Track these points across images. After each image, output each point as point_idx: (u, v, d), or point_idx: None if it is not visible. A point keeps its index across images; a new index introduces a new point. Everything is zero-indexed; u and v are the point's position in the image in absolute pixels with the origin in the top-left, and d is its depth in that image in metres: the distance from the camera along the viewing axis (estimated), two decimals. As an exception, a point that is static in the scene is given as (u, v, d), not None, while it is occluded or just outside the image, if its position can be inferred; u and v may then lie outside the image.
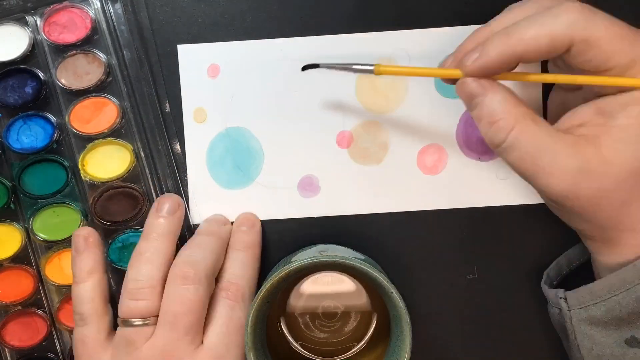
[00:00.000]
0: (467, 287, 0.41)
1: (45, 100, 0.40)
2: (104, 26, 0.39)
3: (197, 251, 0.37)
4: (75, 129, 0.39)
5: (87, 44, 0.39)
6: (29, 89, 0.39)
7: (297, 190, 0.40)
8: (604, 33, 0.30)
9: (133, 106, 0.40)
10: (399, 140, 0.40)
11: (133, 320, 0.35)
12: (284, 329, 0.38)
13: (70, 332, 0.40)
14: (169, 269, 0.36)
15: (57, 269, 0.40)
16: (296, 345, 0.38)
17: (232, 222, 0.40)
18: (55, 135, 0.39)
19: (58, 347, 0.41)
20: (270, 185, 0.40)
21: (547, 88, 0.39)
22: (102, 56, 0.39)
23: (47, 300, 0.40)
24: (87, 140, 0.40)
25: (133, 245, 0.39)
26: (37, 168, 0.40)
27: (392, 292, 0.33)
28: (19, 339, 0.40)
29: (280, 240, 0.41)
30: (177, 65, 0.40)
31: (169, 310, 0.35)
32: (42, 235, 0.40)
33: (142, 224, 0.38)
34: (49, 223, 0.40)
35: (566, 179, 0.31)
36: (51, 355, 0.41)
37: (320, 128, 0.40)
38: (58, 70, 0.39)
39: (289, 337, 0.38)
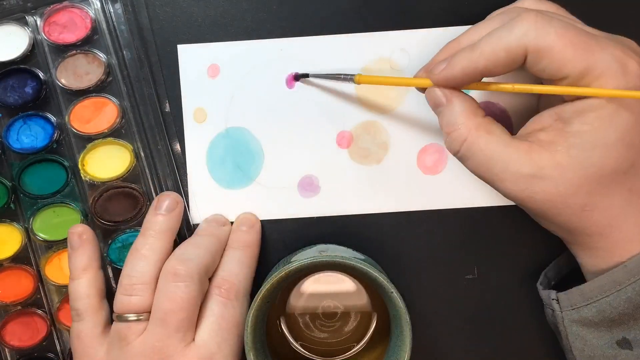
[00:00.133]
0: (467, 287, 0.41)
1: (45, 100, 0.40)
2: (104, 26, 0.39)
3: (192, 249, 0.37)
4: (75, 129, 0.39)
5: (87, 44, 0.39)
6: (29, 89, 0.39)
7: (297, 190, 0.40)
8: (556, 42, 0.30)
9: (133, 106, 0.40)
10: (399, 140, 0.40)
11: (127, 315, 0.35)
12: (284, 329, 0.38)
13: (70, 331, 0.40)
14: None
15: (57, 269, 0.40)
16: (296, 345, 0.38)
17: (231, 222, 0.40)
18: (55, 135, 0.39)
19: (58, 347, 0.41)
20: (270, 185, 0.40)
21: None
22: (102, 56, 0.39)
23: (47, 300, 0.40)
24: (87, 140, 0.40)
25: (133, 245, 0.39)
26: (37, 168, 0.40)
27: (392, 292, 0.33)
28: (19, 339, 0.40)
29: (280, 240, 0.41)
30: (177, 65, 0.40)
31: (160, 307, 0.35)
32: (42, 235, 0.40)
33: (142, 224, 0.38)
34: (49, 223, 0.40)
35: (519, 183, 0.32)
36: (51, 355, 0.41)
37: (320, 128, 0.40)
38: (58, 70, 0.39)
39: (289, 337, 0.38)
